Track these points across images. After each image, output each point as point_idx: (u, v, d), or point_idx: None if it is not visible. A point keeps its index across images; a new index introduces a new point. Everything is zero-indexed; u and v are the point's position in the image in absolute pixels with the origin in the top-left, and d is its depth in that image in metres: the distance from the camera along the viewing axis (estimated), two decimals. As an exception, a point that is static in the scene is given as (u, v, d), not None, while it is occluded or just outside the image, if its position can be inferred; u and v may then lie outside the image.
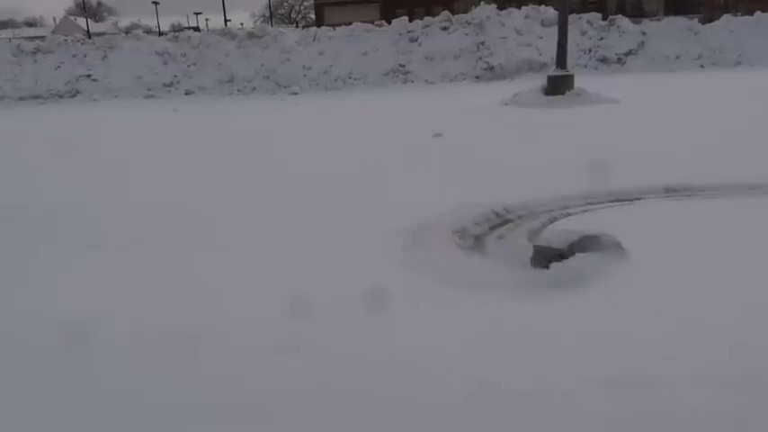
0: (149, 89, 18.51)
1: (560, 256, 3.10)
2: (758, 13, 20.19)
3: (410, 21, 20.09)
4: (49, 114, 14.79)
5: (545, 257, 3.12)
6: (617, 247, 3.12)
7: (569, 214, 4.19)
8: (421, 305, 2.82)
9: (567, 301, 2.77)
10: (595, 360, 2.30)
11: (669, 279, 2.95)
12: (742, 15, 20.54)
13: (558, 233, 3.37)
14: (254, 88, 18.15)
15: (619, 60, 19.56)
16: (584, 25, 20.09)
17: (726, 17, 20.28)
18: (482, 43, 18.92)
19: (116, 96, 18.30)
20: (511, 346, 2.42)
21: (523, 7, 20.33)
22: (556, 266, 3.03)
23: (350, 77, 18.74)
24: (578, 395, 2.07)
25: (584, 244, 3.11)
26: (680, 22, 20.43)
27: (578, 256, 3.08)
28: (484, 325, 2.62)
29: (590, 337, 2.47)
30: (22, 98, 18.61)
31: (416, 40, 19.42)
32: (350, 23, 20.44)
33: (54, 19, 69.50)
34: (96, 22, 64.87)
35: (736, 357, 2.27)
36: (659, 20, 22.30)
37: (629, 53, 19.71)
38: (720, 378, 2.13)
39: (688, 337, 2.41)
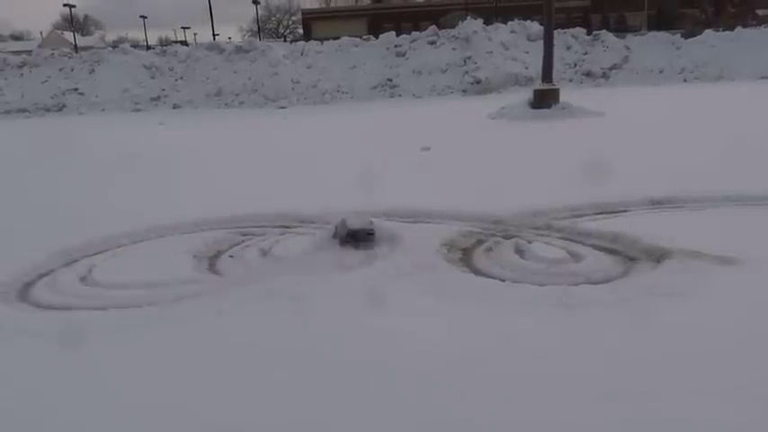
0: (136, 103, 18.48)
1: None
2: (738, 28, 20.61)
3: (397, 35, 20.28)
4: None
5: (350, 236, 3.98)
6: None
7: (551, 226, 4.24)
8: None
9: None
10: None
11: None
12: (723, 31, 20.92)
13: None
14: (242, 102, 18.19)
15: (603, 74, 19.83)
16: (569, 40, 20.39)
17: (708, 32, 20.65)
18: (469, 57, 19.12)
19: (103, 110, 18.25)
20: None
21: (509, 22, 20.62)
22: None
23: (338, 91, 18.84)
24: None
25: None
26: (663, 36, 20.79)
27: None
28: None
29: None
30: (7, 112, 18.51)
31: (404, 55, 19.59)
32: (337, 38, 20.58)
33: (41, 33, 69.21)
34: (83, 35, 64.66)
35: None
36: (643, 34, 22.68)
37: (614, 67, 19.99)
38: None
39: None
